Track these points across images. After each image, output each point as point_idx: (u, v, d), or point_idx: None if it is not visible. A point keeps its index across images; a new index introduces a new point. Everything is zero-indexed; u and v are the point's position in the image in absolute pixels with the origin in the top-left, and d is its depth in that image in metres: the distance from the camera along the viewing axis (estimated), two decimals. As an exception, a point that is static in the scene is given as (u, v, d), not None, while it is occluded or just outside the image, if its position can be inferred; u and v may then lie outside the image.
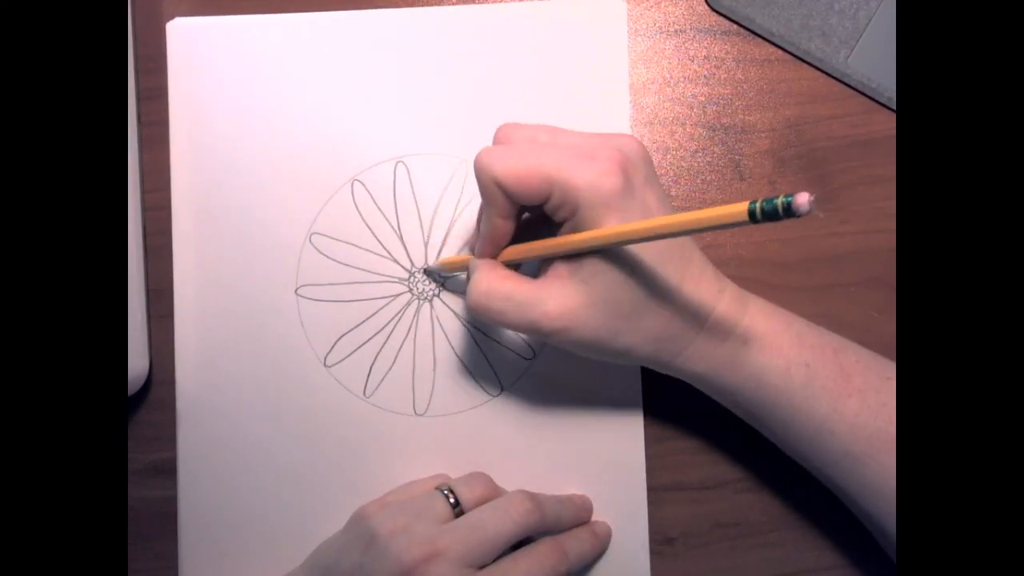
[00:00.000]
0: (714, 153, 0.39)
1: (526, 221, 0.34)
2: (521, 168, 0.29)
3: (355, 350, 0.39)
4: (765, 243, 0.39)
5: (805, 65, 0.39)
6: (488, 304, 0.31)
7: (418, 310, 0.39)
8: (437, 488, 0.35)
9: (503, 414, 0.38)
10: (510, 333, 0.39)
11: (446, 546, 0.32)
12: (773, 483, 0.39)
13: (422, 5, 0.40)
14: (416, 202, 0.39)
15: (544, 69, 0.39)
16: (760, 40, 0.40)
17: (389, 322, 0.39)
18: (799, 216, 0.22)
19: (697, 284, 0.31)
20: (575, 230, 0.30)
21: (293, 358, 0.38)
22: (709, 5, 0.40)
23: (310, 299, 0.39)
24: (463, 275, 0.38)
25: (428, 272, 0.39)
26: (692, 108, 0.40)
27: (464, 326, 0.39)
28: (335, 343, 0.39)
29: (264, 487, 0.38)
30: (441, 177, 0.39)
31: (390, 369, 0.39)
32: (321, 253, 0.39)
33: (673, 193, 0.39)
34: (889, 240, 0.39)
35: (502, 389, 0.39)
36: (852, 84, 0.39)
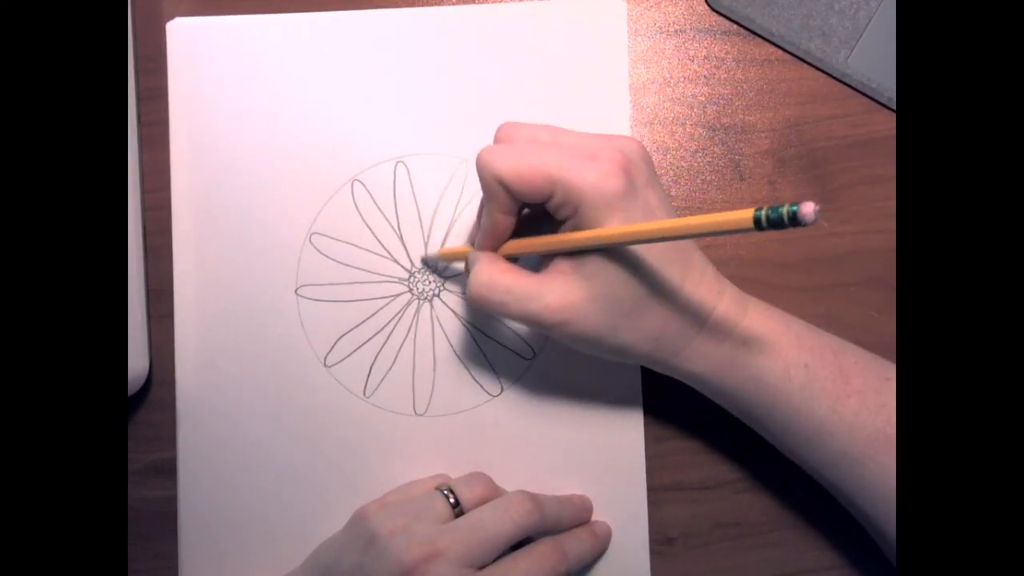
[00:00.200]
0: (714, 153, 0.39)
1: (526, 217, 0.34)
2: (523, 167, 0.29)
3: (355, 350, 0.39)
4: (765, 243, 0.39)
5: (805, 65, 0.39)
6: (489, 296, 0.31)
7: (418, 310, 0.39)
8: (437, 488, 0.35)
9: (503, 414, 0.38)
10: (510, 333, 0.39)
11: (446, 546, 0.32)
12: (773, 483, 0.39)
13: (422, 5, 0.40)
14: (416, 202, 0.39)
15: (544, 69, 0.39)
16: (760, 40, 0.40)
17: (389, 322, 0.39)
18: (804, 225, 0.22)
19: (698, 285, 0.31)
20: (576, 228, 0.30)
21: (293, 358, 0.38)
22: (709, 5, 0.40)
23: (310, 299, 0.39)
24: (461, 266, 0.38)
25: (426, 262, 0.39)
26: (692, 108, 0.40)
27: (464, 326, 0.39)
28: (335, 343, 0.39)
29: (264, 487, 0.38)
30: (441, 177, 0.39)
31: (390, 369, 0.39)
32: (321, 253, 0.39)
33: (673, 193, 0.39)
34: (889, 240, 0.39)
35: (502, 389, 0.39)
36: (852, 84, 0.39)
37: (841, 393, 0.32)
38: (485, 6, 0.39)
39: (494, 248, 0.33)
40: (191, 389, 0.38)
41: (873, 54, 0.39)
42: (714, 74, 0.40)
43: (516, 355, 0.39)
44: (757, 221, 0.23)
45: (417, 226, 0.39)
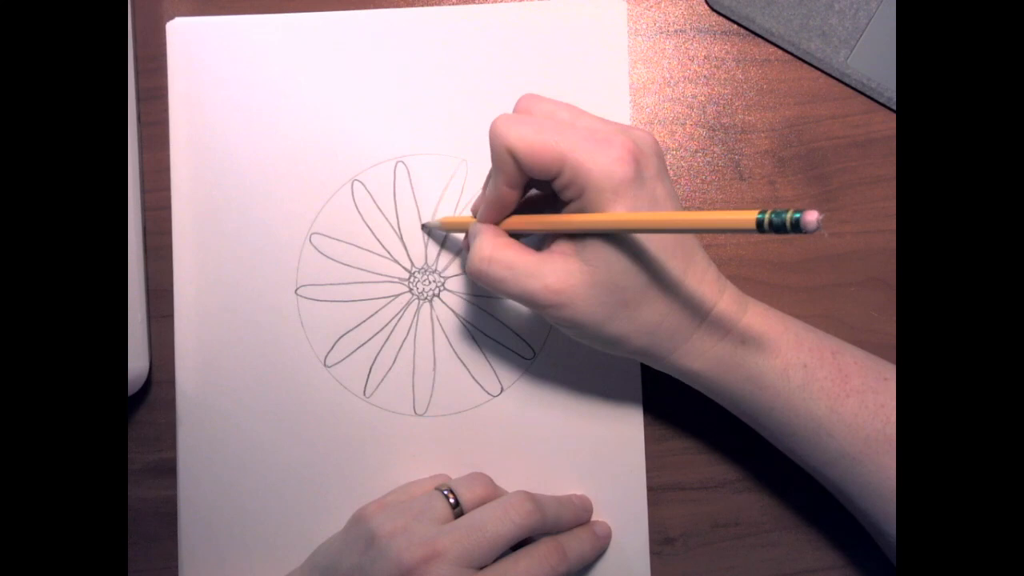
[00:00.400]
0: (714, 153, 0.39)
1: (533, 198, 0.34)
2: (536, 141, 0.29)
3: (355, 350, 0.39)
4: (765, 243, 0.39)
5: (805, 65, 0.39)
6: (489, 270, 0.31)
7: (418, 310, 0.39)
8: (437, 488, 0.35)
9: (503, 414, 0.38)
10: (510, 333, 0.39)
11: (446, 547, 0.32)
12: (773, 483, 0.39)
13: (422, 5, 0.40)
14: (416, 202, 0.39)
15: (544, 69, 0.39)
16: (760, 40, 0.40)
17: (389, 322, 0.39)
18: (805, 233, 0.22)
19: (699, 281, 0.31)
20: (580, 211, 0.30)
21: (293, 358, 0.38)
22: (709, 5, 0.40)
23: (310, 299, 0.39)
24: (461, 236, 0.38)
25: (426, 228, 0.38)
26: (692, 108, 0.40)
27: (464, 326, 0.39)
28: (335, 343, 0.39)
29: (264, 487, 0.38)
30: (441, 177, 0.39)
31: (390, 369, 0.39)
32: (321, 253, 0.39)
33: (673, 193, 0.39)
34: (889, 240, 0.39)
35: (502, 389, 0.39)
36: (852, 84, 0.39)
37: (840, 393, 0.32)
38: (485, 6, 0.39)
39: (496, 221, 0.33)
40: (191, 389, 0.38)
41: (873, 54, 0.39)
42: (714, 74, 0.40)
43: (516, 355, 0.39)
44: (760, 224, 0.23)
45: (417, 226, 0.39)
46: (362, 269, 0.39)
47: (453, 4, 0.40)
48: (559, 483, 0.38)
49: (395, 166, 0.39)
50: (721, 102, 0.39)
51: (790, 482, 0.38)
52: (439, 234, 0.39)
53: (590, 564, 0.38)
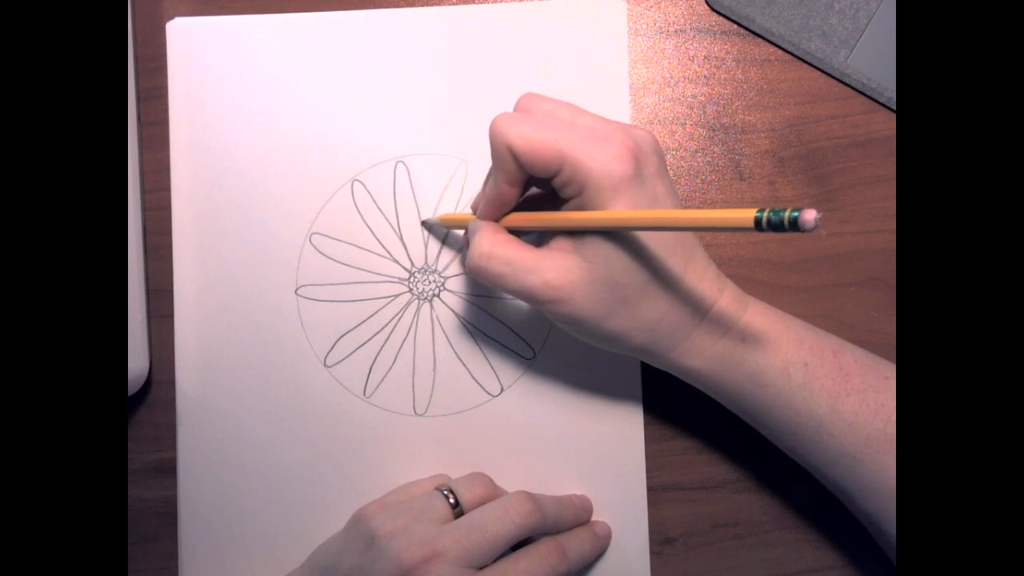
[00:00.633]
0: (714, 153, 0.39)
1: (533, 196, 0.34)
2: (536, 139, 0.29)
3: (355, 350, 0.39)
4: (765, 243, 0.39)
5: (805, 65, 0.39)
6: (488, 266, 0.31)
7: (418, 310, 0.39)
8: (437, 488, 0.35)
9: (503, 414, 0.38)
10: (510, 333, 0.39)
11: (446, 547, 0.32)
12: (773, 483, 0.39)
13: (422, 5, 0.40)
14: (416, 202, 0.39)
15: (544, 69, 0.39)
16: (760, 40, 0.40)
17: (389, 322, 0.39)
18: (803, 232, 0.22)
19: (699, 279, 0.31)
20: (579, 209, 0.30)
21: (293, 358, 0.38)
22: (709, 5, 0.40)
23: (310, 299, 0.39)
24: (461, 232, 0.38)
25: (426, 224, 0.39)
26: (692, 108, 0.40)
27: (464, 326, 0.39)
28: (335, 343, 0.39)
29: (264, 487, 0.38)
30: (441, 177, 0.39)
31: (390, 369, 0.39)
32: (321, 253, 0.39)
33: (673, 193, 0.39)
34: (889, 240, 0.39)
35: (502, 389, 0.39)
36: (852, 84, 0.39)
37: (841, 392, 0.32)
38: (485, 6, 0.39)
39: (496, 218, 0.33)
40: (191, 389, 0.38)
41: (873, 54, 0.39)
42: (714, 74, 0.40)
43: (516, 355, 0.39)
44: (758, 222, 0.23)
45: (417, 226, 0.39)
46: (362, 269, 0.39)
47: (453, 4, 0.40)
48: (559, 483, 0.38)
49: (395, 166, 0.39)
50: (721, 102, 0.39)
51: (790, 482, 0.38)
52: (440, 231, 0.39)
53: (590, 564, 0.38)
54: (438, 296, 0.39)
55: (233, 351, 0.38)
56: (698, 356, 0.32)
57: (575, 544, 0.36)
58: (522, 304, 0.38)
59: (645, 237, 0.30)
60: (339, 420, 0.38)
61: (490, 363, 0.39)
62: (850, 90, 0.39)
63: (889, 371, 0.33)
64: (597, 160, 0.29)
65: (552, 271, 0.30)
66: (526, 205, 0.34)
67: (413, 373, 0.39)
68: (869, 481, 0.32)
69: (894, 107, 0.39)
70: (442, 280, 0.39)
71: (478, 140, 0.39)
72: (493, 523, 0.33)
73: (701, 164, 0.39)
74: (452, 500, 0.34)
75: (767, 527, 0.39)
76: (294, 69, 0.39)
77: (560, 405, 0.38)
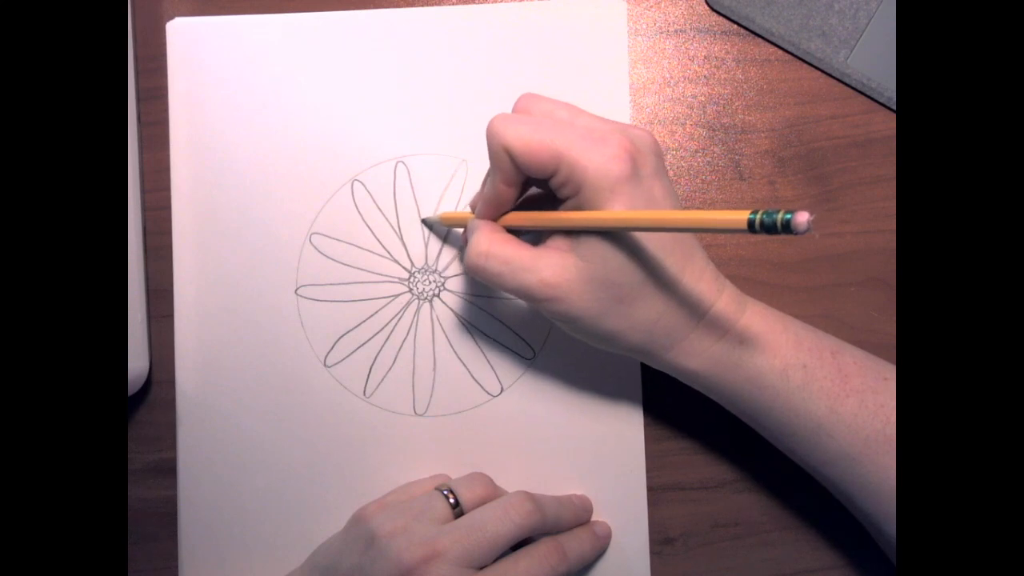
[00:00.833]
0: (714, 153, 0.39)
1: (533, 196, 0.34)
2: (533, 140, 0.29)
3: (355, 350, 0.39)
4: (765, 243, 0.39)
5: (805, 65, 0.39)
6: (486, 265, 0.31)
7: (418, 310, 0.39)
8: (437, 488, 0.35)
9: (503, 414, 0.38)
10: (510, 333, 0.39)
11: (445, 547, 0.32)
12: (773, 483, 0.39)
13: (422, 5, 0.40)
14: (416, 202, 0.39)
15: (544, 69, 0.39)
16: (760, 40, 0.40)
17: (389, 322, 0.39)
18: (796, 234, 0.22)
19: (697, 280, 0.31)
20: (576, 209, 0.30)
21: (293, 358, 0.38)
22: (709, 5, 0.40)
23: (310, 299, 0.39)
24: (460, 231, 0.38)
25: (426, 222, 0.39)
26: (692, 108, 0.40)
27: (464, 326, 0.39)
28: (335, 343, 0.39)
29: (264, 487, 0.38)
30: (441, 177, 0.39)
31: (390, 369, 0.39)
32: (321, 253, 0.39)
33: (673, 193, 0.39)
34: (889, 240, 0.39)
35: (502, 389, 0.39)
36: (852, 84, 0.39)
37: (840, 393, 0.32)
38: (485, 6, 0.39)
39: (494, 218, 0.33)
40: (191, 389, 0.38)
41: (873, 54, 0.39)
42: (714, 74, 0.40)
43: (516, 355, 0.39)
44: (751, 224, 0.23)
45: (417, 226, 0.39)
46: (362, 269, 0.39)
47: (453, 4, 0.40)
48: (559, 483, 0.38)
49: (395, 166, 0.39)
50: (721, 102, 0.39)
51: (790, 482, 0.38)
52: (440, 229, 0.39)
53: (590, 564, 0.38)
54: (438, 296, 0.39)
55: (233, 351, 0.38)
56: (695, 357, 0.32)
57: (575, 544, 0.36)
58: (522, 304, 0.38)
59: (642, 237, 0.30)
60: (339, 420, 0.38)
61: (490, 363, 0.39)
62: (850, 90, 0.39)
63: (888, 372, 0.33)
64: (593, 160, 0.29)
65: (549, 270, 0.30)
66: (526, 205, 0.34)
67: (413, 373, 0.39)
68: (868, 482, 0.32)
69: (894, 107, 0.39)
70: (442, 280, 0.39)
71: (478, 140, 0.38)
72: (493, 523, 0.33)
73: (701, 164, 0.39)
74: (452, 500, 0.34)
75: (767, 527, 0.39)
76: (294, 69, 0.39)
77: (560, 405, 0.38)
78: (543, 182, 0.31)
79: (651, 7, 0.40)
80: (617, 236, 0.30)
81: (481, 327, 0.39)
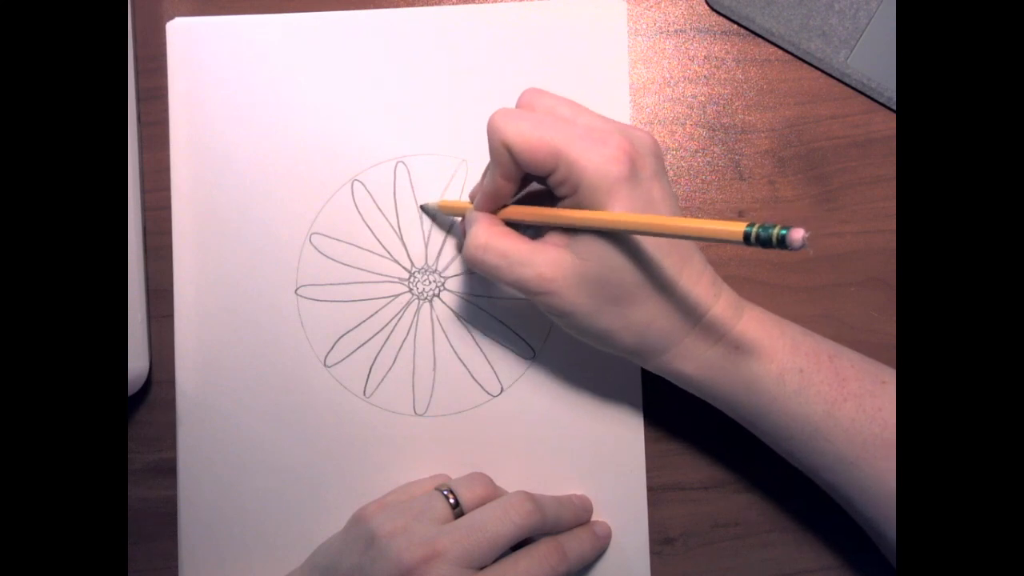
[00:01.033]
0: (714, 153, 0.39)
1: (534, 192, 0.34)
2: (533, 137, 0.29)
3: (355, 350, 0.39)
4: (765, 243, 0.39)
5: (805, 65, 0.39)
6: (484, 258, 0.31)
7: (418, 310, 0.39)
8: (437, 488, 0.35)
9: (503, 414, 0.38)
10: (510, 333, 0.39)
11: (445, 547, 0.32)
12: (773, 483, 0.39)
13: (422, 5, 0.40)
14: (416, 202, 0.39)
15: (544, 69, 0.39)
16: (760, 40, 0.40)
17: (389, 322, 0.39)
18: (791, 250, 0.23)
19: (694, 284, 0.31)
20: (574, 208, 0.30)
21: (293, 358, 0.38)
22: (709, 5, 0.40)
23: (310, 299, 0.39)
24: (458, 219, 0.38)
25: (425, 208, 0.39)
26: (692, 108, 0.40)
27: (464, 326, 0.39)
28: (335, 343, 0.39)
29: (264, 487, 0.38)
30: (441, 177, 0.39)
31: (390, 369, 0.39)
32: (321, 253, 0.39)
33: (673, 193, 0.39)
34: (889, 240, 0.39)
35: (502, 389, 0.39)
36: (852, 84, 0.39)
37: (837, 397, 0.31)
38: (485, 6, 0.39)
39: (492, 210, 0.33)
40: (191, 389, 0.38)
41: (873, 54, 0.39)
42: (714, 74, 0.40)
43: (516, 355, 0.39)
44: (747, 236, 0.24)
45: (417, 226, 0.39)
46: (362, 269, 0.39)
47: (453, 4, 0.40)
48: (559, 483, 0.38)
49: (395, 166, 0.39)
50: (721, 102, 0.39)
51: (790, 482, 0.38)
52: (440, 217, 0.39)
53: (590, 564, 0.38)
54: (438, 296, 0.39)
55: (233, 351, 0.38)
56: (690, 362, 0.32)
57: (575, 544, 0.36)
58: (522, 304, 0.38)
59: (640, 239, 0.30)
60: (339, 420, 0.38)
61: (490, 363, 0.39)
62: (850, 90, 0.39)
63: (887, 376, 0.32)
64: (592, 160, 0.29)
65: (546, 265, 0.30)
66: (527, 200, 0.34)
67: (413, 373, 0.39)
68: (867, 486, 0.32)
69: (894, 107, 0.39)
70: (442, 280, 0.39)
71: (478, 140, 0.39)
72: (493, 523, 0.33)
73: (701, 164, 0.39)
74: (452, 500, 0.34)
75: (767, 527, 0.39)
76: (294, 69, 0.39)
77: (560, 405, 0.38)
78: (543, 178, 0.31)
79: (651, 7, 0.40)
80: (614, 236, 0.30)
81: (481, 327, 0.39)
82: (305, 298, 0.39)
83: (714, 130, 0.39)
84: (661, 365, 0.32)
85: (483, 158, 0.38)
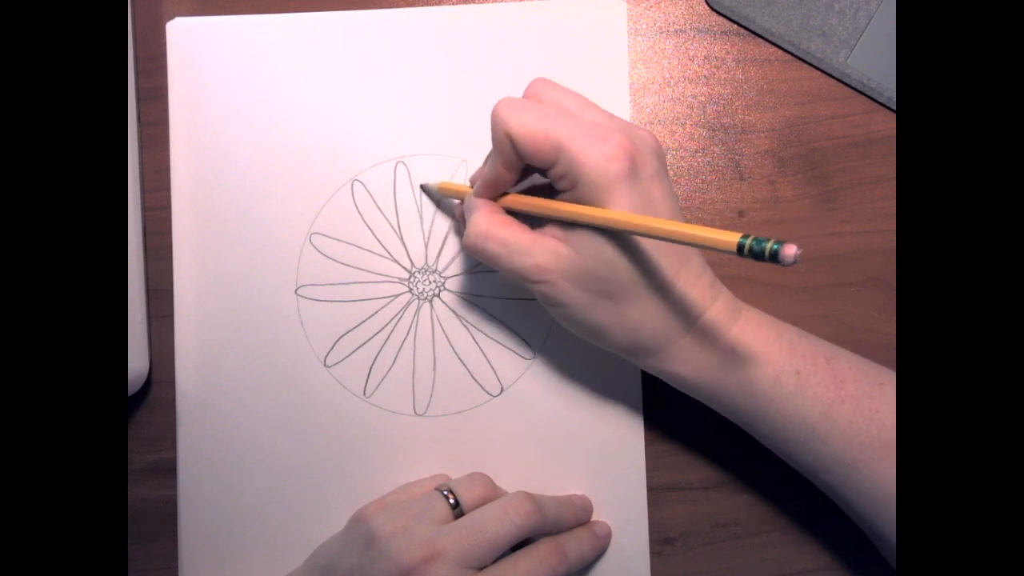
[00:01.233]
0: (714, 153, 0.39)
1: (538, 185, 0.34)
2: (536, 130, 0.29)
3: (355, 350, 0.39)
4: (765, 243, 0.39)
5: (805, 65, 0.39)
6: (484, 245, 0.32)
7: (418, 310, 0.39)
8: (437, 489, 0.35)
9: (503, 414, 0.38)
10: (510, 333, 0.39)
11: (445, 547, 0.32)
12: (773, 483, 0.39)
13: (422, 5, 0.40)
14: (416, 202, 0.39)
15: (544, 69, 0.39)
16: (760, 40, 0.40)
17: (389, 322, 0.39)
18: (783, 265, 0.23)
19: (691, 286, 0.31)
20: (573, 202, 0.30)
21: (293, 358, 0.38)
22: (709, 5, 0.40)
23: (310, 299, 0.39)
24: (456, 202, 0.38)
25: (424, 188, 0.39)
26: (692, 108, 0.39)
27: (464, 326, 0.39)
28: (335, 343, 0.39)
29: (264, 487, 0.38)
30: (441, 177, 0.39)
31: (390, 369, 0.39)
32: (321, 253, 0.39)
33: (673, 193, 0.39)
34: (889, 240, 0.39)
35: (502, 389, 0.39)
36: (852, 84, 0.39)
37: (834, 399, 0.31)
38: (485, 6, 0.39)
39: (492, 197, 0.33)
40: (191, 389, 0.38)
41: (873, 54, 0.39)
42: (714, 74, 0.40)
43: (516, 355, 0.39)
44: (740, 247, 0.24)
45: (417, 226, 0.39)
46: (362, 269, 0.39)
47: (453, 4, 0.40)
48: (559, 483, 0.38)
49: (395, 166, 0.39)
50: (721, 102, 0.39)
51: (790, 482, 0.38)
52: (444, 202, 0.39)
53: (590, 564, 0.38)
54: (438, 296, 0.39)
55: (233, 351, 0.38)
56: (684, 363, 0.32)
57: (575, 544, 0.36)
58: (522, 304, 0.38)
59: (638, 238, 0.30)
60: (339, 420, 0.38)
61: (490, 363, 0.39)
62: (850, 90, 0.39)
63: (885, 377, 0.32)
64: (592, 157, 0.29)
65: (543, 255, 0.31)
66: (529, 192, 0.34)
67: (413, 373, 0.39)
68: (865, 487, 0.32)
69: (894, 107, 0.39)
70: (442, 280, 0.39)
71: (478, 140, 0.39)
72: (493, 523, 0.33)
73: (701, 164, 0.39)
74: (452, 500, 0.34)
75: (767, 527, 0.39)
76: (294, 69, 0.39)
77: (560, 405, 0.38)
78: (542, 171, 0.31)
79: (651, 7, 0.40)
80: (611, 234, 0.30)
81: (481, 327, 0.39)
82: (305, 298, 0.39)
83: (714, 130, 0.39)
84: (656, 365, 0.32)
85: (483, 159, 0.38)
